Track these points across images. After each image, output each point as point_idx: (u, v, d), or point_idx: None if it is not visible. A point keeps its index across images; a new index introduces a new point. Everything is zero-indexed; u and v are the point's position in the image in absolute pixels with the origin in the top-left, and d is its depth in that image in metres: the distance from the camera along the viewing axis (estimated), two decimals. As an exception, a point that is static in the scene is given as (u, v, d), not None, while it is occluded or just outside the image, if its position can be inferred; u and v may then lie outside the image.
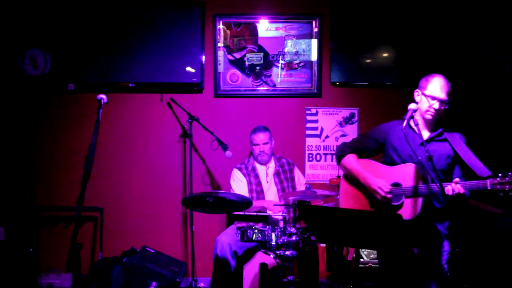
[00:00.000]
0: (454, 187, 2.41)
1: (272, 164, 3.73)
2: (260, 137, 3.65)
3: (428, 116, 2.60)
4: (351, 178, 2.76)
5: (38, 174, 4.08)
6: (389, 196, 2.57)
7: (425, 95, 2.59)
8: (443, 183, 2.43)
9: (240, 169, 3.71)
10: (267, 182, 3.67)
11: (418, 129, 2.49)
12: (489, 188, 2.35)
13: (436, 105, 2.56)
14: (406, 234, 2.22)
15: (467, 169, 2.51)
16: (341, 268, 3.57)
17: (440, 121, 2.67)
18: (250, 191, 3.62)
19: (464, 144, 2.58)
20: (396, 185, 2.61)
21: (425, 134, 2.65)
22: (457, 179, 2.43)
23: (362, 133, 2.85)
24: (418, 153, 2.50)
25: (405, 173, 2.58)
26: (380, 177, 2.63)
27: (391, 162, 2.69)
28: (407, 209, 2.55)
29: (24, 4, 4.04)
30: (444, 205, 2.59)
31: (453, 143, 2.58)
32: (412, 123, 2.56)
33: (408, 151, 2.59)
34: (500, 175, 2.33)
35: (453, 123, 2.73)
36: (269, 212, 3.48)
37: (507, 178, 2.31)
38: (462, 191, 2.39)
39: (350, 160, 2.75)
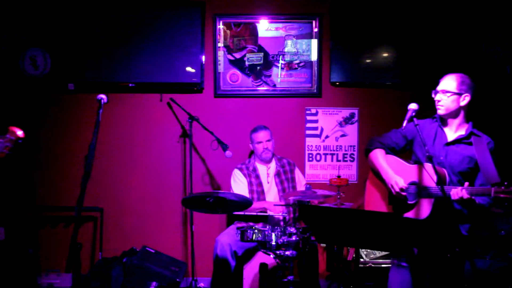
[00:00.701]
0: (458, 191, 2.41)
1: (273, 165, 3.73)
2: (263, 135, 3.66)
3: (439, 112, 2.63)
4: (376, 172, 2.81)
5: (38, 174, 4.07)
6: (403, 193, 2.60)
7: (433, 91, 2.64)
8: (454, 186, 2.43)
9: (241, 169, 3.71)
10: (268, 182, 3.67)
11: (419, 129, 2.49)
12: (492, 196, 2.34)
13: (437, 96, 2.60)
14: (406, 234, 2.21)
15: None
16: (341, 268, 3.58)
17: (472, 120, 2.68)
18: (251, 191, 3.62)
19: (488, 149, 2.53)
20: (414, 184, 2.63)
21: (456, 135, 2.67)
22: (467, 183, 2.43)
23: (394, 129, 2.88)
24: (441, 153, 2.51)
25: (422, 173, 2.59)
26: (401, 174, 2.65)
27: (417, 160, 2.71)
28: (419, 209, 2.56)
29: (24, 4, 4.04)
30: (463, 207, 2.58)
31: (477, 146, 2.54)
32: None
33: (432, 151, 2.59)
34: (505, 183, 2.31)
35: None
36: (269, 213, 3.48)
37: (511, 188, 2.28)
38: (466, 196, 2.39)
39: (377, 154, 2.79)
